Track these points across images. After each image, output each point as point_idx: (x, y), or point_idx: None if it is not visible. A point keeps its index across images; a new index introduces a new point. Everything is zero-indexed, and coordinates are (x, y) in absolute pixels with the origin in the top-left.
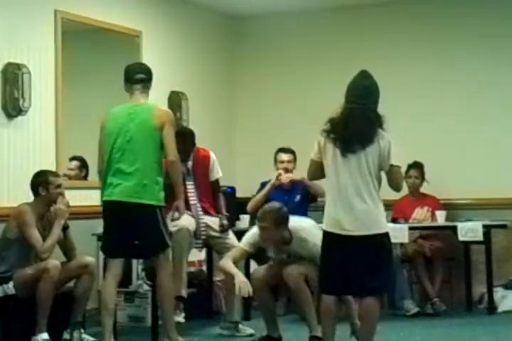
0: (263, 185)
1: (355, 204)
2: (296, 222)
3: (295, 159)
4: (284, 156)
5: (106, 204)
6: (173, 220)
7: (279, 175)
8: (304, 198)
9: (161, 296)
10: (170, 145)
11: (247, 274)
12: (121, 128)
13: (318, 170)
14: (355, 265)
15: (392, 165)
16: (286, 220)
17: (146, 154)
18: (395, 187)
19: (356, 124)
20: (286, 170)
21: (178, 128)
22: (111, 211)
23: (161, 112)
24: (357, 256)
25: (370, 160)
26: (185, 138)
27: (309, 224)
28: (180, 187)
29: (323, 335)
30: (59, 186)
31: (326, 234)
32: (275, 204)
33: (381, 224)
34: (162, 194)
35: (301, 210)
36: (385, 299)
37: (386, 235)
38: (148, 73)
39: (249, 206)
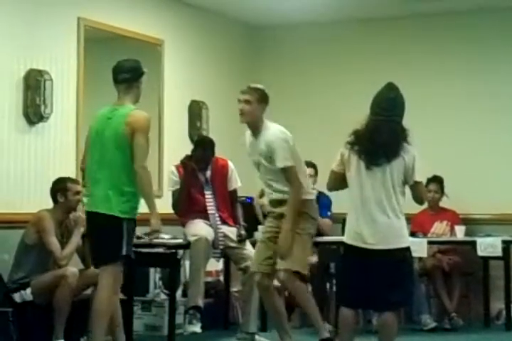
0: None
1: (377, 217)
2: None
3: (316, 173)
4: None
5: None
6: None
7: None
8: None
9: (95, 310)
10: (137, 154)
11: None
12: (99, 135)
13: (337, 182)
14: (376, 279)
15: (416, 181)
16: (266, 101)
17: (115, 163)
18: (419, 201)
19: (382, 137)
20: None
21: (198, 137)
22: (88, 221)
23: (133, 118)
24: (378, 270)
25: (395, 173)
26: (204, 147)
27: (285, 132)
28: (151, 201)
29: None
30: (78, 193)
31: (347, 247)
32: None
33: (403, 238)
34: (131, 205)
35: None
36: (402, 313)
37: (408, 249)
38: (134, 71)
39: None
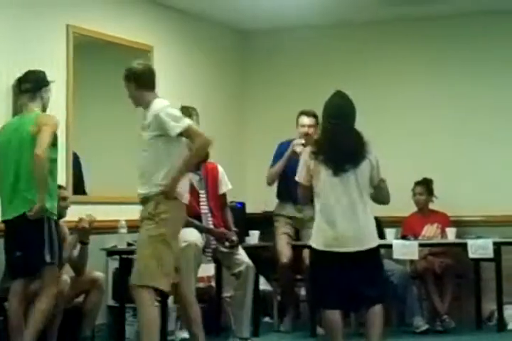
0: (281, 146)
1: (352, 221)
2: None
3: (317, 123)
4: (306, 120)
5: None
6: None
7: (293, 146)
8: None
9: (34, 320)
10: (38, 141)
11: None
12: (9, 142)
13: (308, 193)
14: (356, 279)
15: (381, 179)
16: (133, 78)
17: (29, 165)
18: (382, 200)
19: (344, 143)
20: (306, 135)
21: None
22: (6, 229)
23: (40, 118)
24: (357, 270)
25: (364, 176)
26: None
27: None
28: (43, 188)
29: None
30: (64, 199)
31: (323, 254)
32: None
33: (375, 238)
34: (51, 204)
35: None
36: (393, 316)
37: (378, 247)
38: (36, 82)
39: (268, 179)
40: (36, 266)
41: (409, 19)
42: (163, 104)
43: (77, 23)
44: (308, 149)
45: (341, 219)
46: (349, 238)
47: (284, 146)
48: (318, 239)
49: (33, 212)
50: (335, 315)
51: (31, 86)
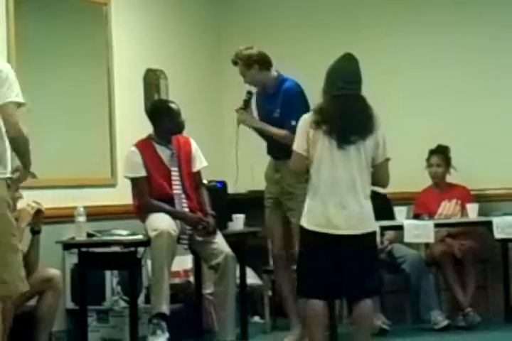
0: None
1: (350, 201)
2: None
3: (249, 69)
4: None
5: None
6: None
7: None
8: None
9: None
10: None
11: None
12: None
13: (304, 164)
14: (350, 266)
15: (386, 159)
16: None
17: None
18: (383, 182)
19: (354, 113)
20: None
21: (160, 103)
22: None
23: None
24: (352, 256)
25: (368, 151)
26: (174, 116)
27: None
28: None
29: None
30: (16, 189)
31: (313, 234)
32: None
33: (373, 222)
34: None
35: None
36: (408, 311)
37: (376, 232)
38: None
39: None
40: None
41: None
42: None
43: None
44: (307, 117)
45: (336, 197)
46: (343, 219)
47: None
48: (308, 217)
49: None
50: (317, 305)
51: None
